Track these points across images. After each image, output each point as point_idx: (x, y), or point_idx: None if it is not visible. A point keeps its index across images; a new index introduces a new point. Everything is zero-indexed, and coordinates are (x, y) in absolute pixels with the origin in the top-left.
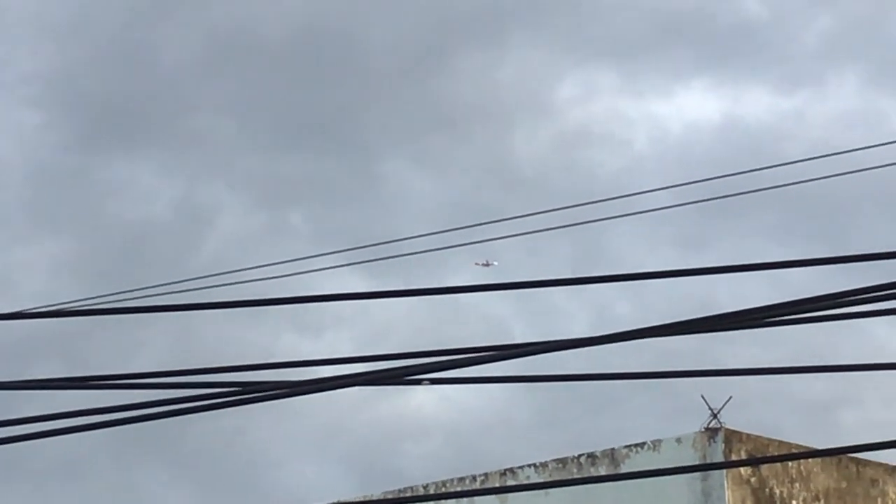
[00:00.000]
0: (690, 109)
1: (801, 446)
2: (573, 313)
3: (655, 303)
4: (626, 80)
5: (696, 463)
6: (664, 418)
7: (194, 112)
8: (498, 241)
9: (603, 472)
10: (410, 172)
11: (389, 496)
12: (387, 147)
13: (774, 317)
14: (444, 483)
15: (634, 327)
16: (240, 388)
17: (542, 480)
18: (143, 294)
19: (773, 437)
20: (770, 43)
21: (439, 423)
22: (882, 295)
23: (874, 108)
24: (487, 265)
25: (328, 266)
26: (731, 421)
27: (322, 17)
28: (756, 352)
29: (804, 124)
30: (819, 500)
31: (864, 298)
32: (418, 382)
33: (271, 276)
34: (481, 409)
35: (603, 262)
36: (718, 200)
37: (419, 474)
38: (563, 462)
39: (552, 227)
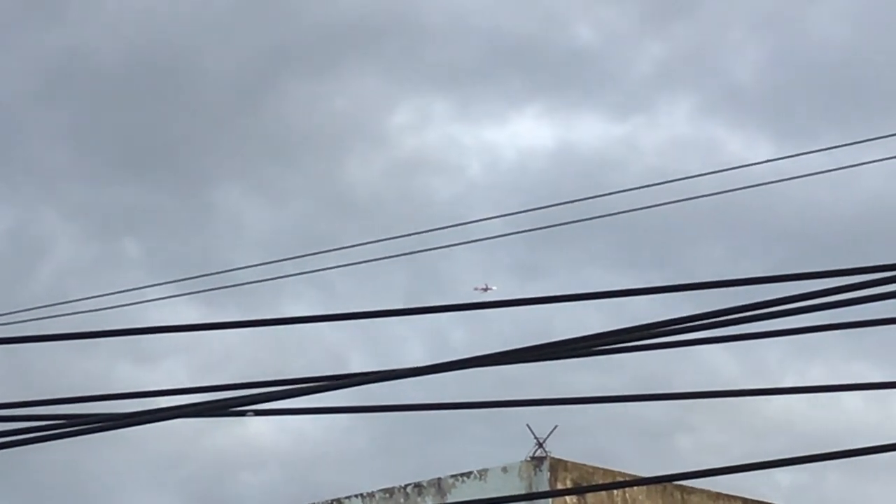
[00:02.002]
0: (524, 136)
1: (625, 474)
2: (410, 341)
3: (492, 331)
4: (460, 107)
5: (523, 492)
6: (499, 447)
7: (25, 141)
8: (333, 269)
9: (430, 501)
10: (245, 201)
11: None
12: (221, 176)
13: (606, 344)
14: None
15: (471, 355)
16: (65, 421)
17: None
18: None
19: (599, 466)
20: (602, 70)
21: (276, 453)
22: (711, 322)
23: (706, 135)
24: (486, 290)
25: (162, 296)
26: (562, 449)
27: (155, 46)
28: (594, 378)
29: (636, 151)
30: None
31: (694, 326)
32: (243, 414)
33: (105, 306)
34: (319, 438)
35: (439, 289)
36: (554, 228)
37: None
38: (389, 492)
39: (387, 255)
